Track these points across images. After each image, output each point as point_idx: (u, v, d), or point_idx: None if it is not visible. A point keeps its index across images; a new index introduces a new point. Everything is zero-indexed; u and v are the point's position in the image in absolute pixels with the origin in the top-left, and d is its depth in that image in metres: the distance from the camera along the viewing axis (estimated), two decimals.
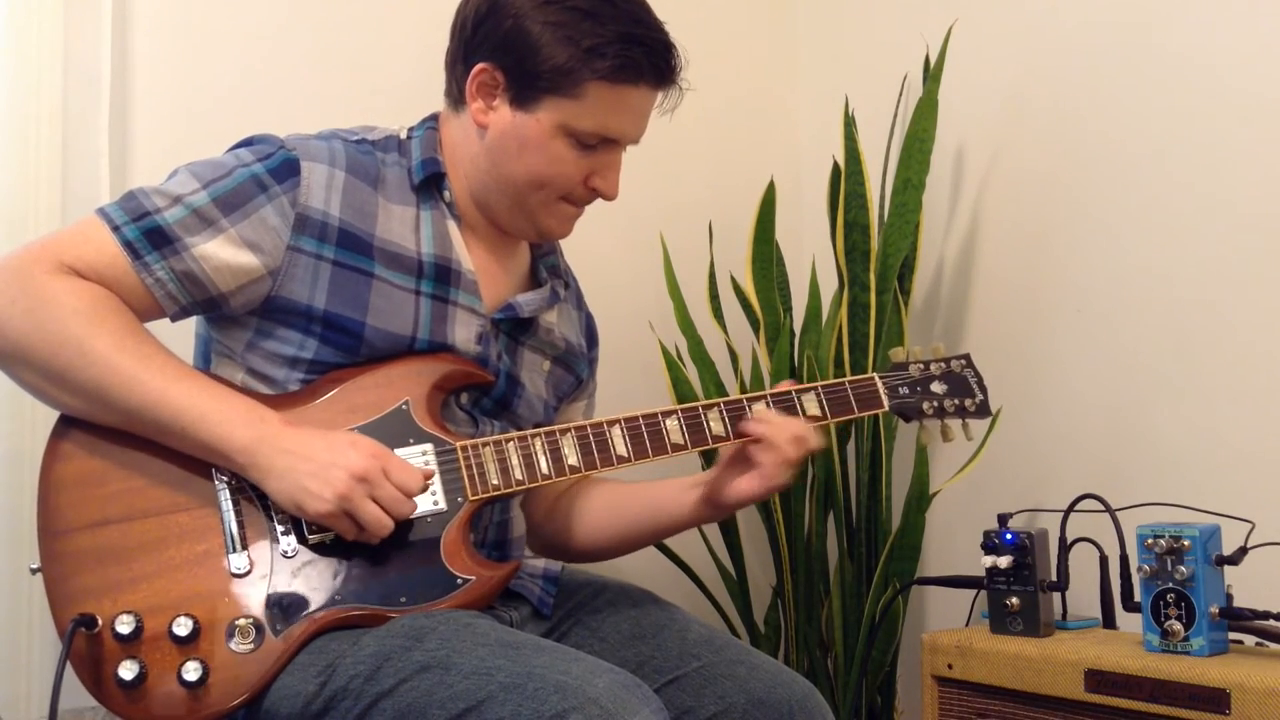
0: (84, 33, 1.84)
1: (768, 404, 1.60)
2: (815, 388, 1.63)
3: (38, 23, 1.78)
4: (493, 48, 1.51)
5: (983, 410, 1.72)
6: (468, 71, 1.53)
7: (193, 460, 1.40)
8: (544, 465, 1.51)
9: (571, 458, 1.52)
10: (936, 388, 1.70)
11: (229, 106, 2.00)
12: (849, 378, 1.66)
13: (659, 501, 1.67)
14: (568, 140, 1.52)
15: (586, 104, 1.50)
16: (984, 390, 1.72)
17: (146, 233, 1.41)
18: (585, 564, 1.73)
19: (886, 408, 1.67)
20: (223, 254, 1.43)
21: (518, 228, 1.60)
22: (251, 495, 1.41)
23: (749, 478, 1.56)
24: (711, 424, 1.57)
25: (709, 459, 2.25)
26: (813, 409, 1.62)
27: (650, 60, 1.50)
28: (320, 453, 1.37)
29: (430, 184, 1.57)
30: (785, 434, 1.55)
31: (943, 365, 1.71)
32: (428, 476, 1.43)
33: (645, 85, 1.52)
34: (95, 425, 1.40)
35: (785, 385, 1.63)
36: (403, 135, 1.60)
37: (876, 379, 1.67)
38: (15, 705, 1.71)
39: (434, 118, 1.62)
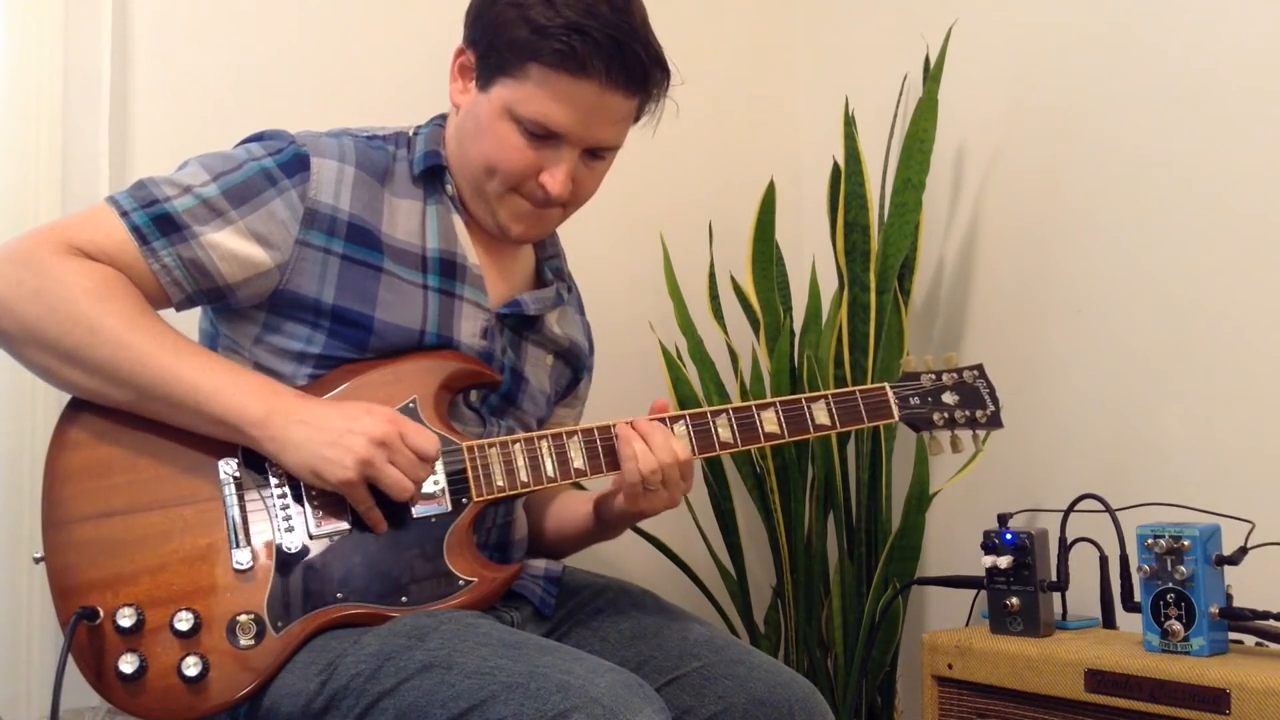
0: (84, 33, 1.84)
1: (776, 411, 1.60)
2: (825, 396, 1.62)
3: (38, 23, 1.78)
4: (469, 28, 1.54)
5: (994, 421, 1.71)
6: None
7: (199, 454, 1.40)
8: (549, 467, 1.50)
9: (578, 460, 1.51)
10: (948, 398, 1.69)
11: (229, 107, 2.00)
12: (860, 387, 1.65)
13: (566, 512, 1.68)
14: (514, 125, 1.49)
15: (528, 88, 1.47)
16: (996, 401, 1.71)
17: (155, 219, 1.42)
18: (586, 565, 1.73)
19: (897, 418, 1.66)
20: (230, 244, 1.44)
21: (482, 218, 1.58)
22: (256, 491, 1.41)
23: (620, 494, 1.54)
24: (719, 430, 1.57)
25: (712, 465, 2.25)
26: (822, 418, 1.61)
27: (599, 55, 1.44)
28: (336, 421, 1.38)
29: (434, 178, 1.57)
30: (649, 461, 1.48)
31: (955, 375, 1.71)
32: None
33: (591, 80, 1.46)
34: (102, 416, 1.40)
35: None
36: (410, 132, 1.60)
37: (888, 389, 1.66)
38: (15, 704, 1.71)
39: (443, 116, 1.62)
